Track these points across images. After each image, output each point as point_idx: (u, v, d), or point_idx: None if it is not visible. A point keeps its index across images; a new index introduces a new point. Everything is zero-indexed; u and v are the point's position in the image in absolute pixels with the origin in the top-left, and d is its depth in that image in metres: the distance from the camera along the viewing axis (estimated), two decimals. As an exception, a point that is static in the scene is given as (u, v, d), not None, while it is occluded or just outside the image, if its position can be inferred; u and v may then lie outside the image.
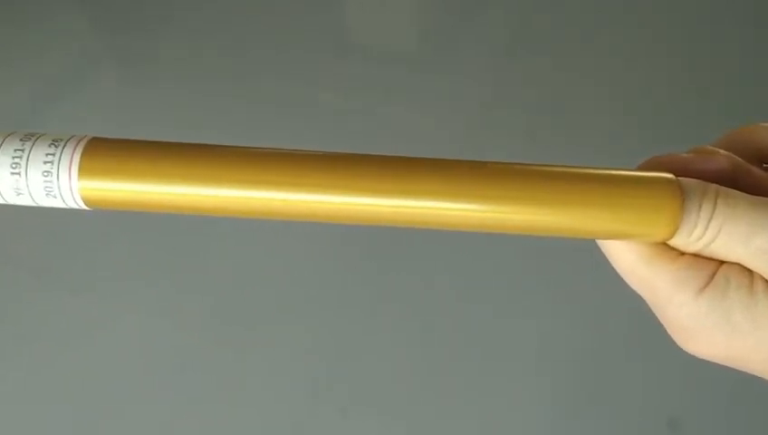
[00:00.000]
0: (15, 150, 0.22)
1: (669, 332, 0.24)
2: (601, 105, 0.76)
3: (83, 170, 0.22)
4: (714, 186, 0.22)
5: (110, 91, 0.90)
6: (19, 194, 0.22)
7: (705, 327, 0.22)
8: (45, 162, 0.22)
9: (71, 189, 0.22)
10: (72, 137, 0.23)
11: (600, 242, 0.24)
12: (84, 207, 0.23)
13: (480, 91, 0.78)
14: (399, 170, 0.22)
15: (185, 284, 0.75)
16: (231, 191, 0.22)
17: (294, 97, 0.81)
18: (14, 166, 0.22)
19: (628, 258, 0.23)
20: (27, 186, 0.22)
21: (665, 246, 0.23)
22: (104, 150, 0.23)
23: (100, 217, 0.80)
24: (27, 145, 0.22)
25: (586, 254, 0.72)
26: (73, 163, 0.22)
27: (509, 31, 0.79)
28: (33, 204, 0.23)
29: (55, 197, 0.22)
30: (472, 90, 0.78)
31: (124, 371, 0.71)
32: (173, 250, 0.77)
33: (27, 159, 0.22)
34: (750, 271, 0.22)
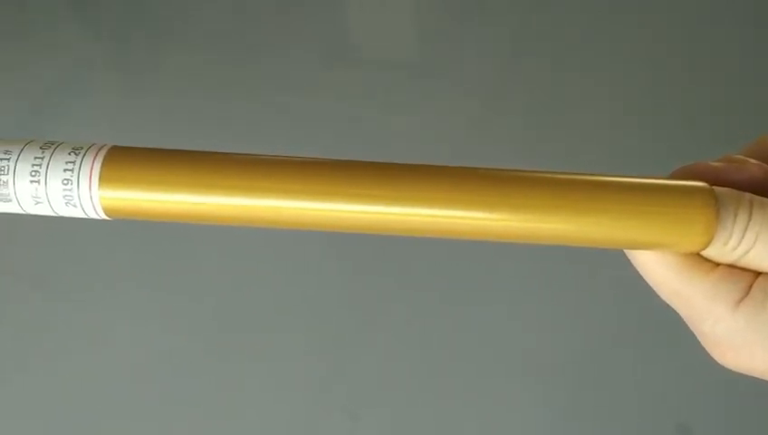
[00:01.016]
0: (35, 158, 0.22)
1: (705, 346, 0.23)
2: (605, 110, 0.76)
3: (104, 179, 0.22)
4: (748, 194, 0.22)
5: (112, 101, 0.90)
6: (38, 203, 0.22)
7: (743, 341, 0.21)
8: (66, 170, 0.22)
9: (91, 199, 0.22)
10: (93, 145, 0.22)
11: (629, 253, 0.24)
12: (104, 216, 0.23)
13: (481, 98, 0.78)
14: (430, 180, 0.22)
15: (183, 289, 0.74)
16: (260, 201, 0.22)
17: (295, 104, 0.81)
18: (33, 174, 0.22)
19: (660, 270, 0.23)
20: (47, 194, 0.22)
21: (698, 258, 0.22)
22: (125, 159, 0.22)
23: (95, 225, 0.79)
24: (47, 153, 0.22)
25: (592, 255, 0.71)
26: (94, 171, 0.22)
27: (510, 37, 0.79)
28: (52, 213, 0.22)
29: (75, 206, 0.22)
30: (473, 96, 0.78)
31: (123, 377, 0.70)
32: (170, 255, 0.77)
33: (47, 167, 0.22)
34: None
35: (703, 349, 0.65)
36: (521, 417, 0.62)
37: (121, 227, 0.79)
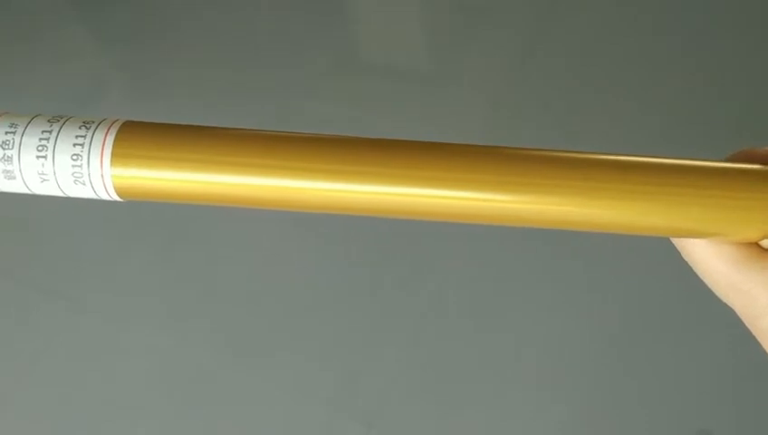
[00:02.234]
0: (43, 132, 0.20)
1: (762, 342, 0.21)
2: (617, 115, 0.74)
3: (117, 156, 0.20)
4: None
5: (119, 105, 0.89)
6: (44, 181, 0.20)
7: None
8: (75, 145, 0.20)
9: (102, 177, 0.20)
10: (105, 119, 0.21)
11: (679, 243, 0.22)
12: (116, 197, 0.21)
13: (490, 104, 0.76)
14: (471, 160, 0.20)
15: (193, 297, 0.73)
16: (287, 181, 0.20)
17: (304, 110, 0.80)
18: (40, 148, 0.20)
19: (716, 262, 0.21)
20: (54, 171, 0.20)
21: (757, 248, 0.21)
22: (140, 134, 0.20)
23: (103, 234, 0.78)
24: (56, 126, 0.20)
25: (611, 256, 0.70)
26: (106, 147, 0.20)
27: (518, 43, 0.78)
28: (60, 193, 0.21)
29: (84, 184, 0.20)
30: (482, 102, 0.77)
31: (136, 386, 0.68)
32: (183, 262, 0.75)
33: (55, 141, 0.20)
34: None
35: (725, 352, 0.63)
36: (538, 423, 0.60)
37: (127, 237, 0.78)
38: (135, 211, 0.78)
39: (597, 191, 0.20)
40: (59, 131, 0.20)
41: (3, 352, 0.73)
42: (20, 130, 0.20)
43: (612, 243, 0.67)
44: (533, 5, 0.82)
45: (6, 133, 0.20)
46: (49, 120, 0.20)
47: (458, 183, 0.20)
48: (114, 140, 0.20)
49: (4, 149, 0.20)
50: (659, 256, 0.65)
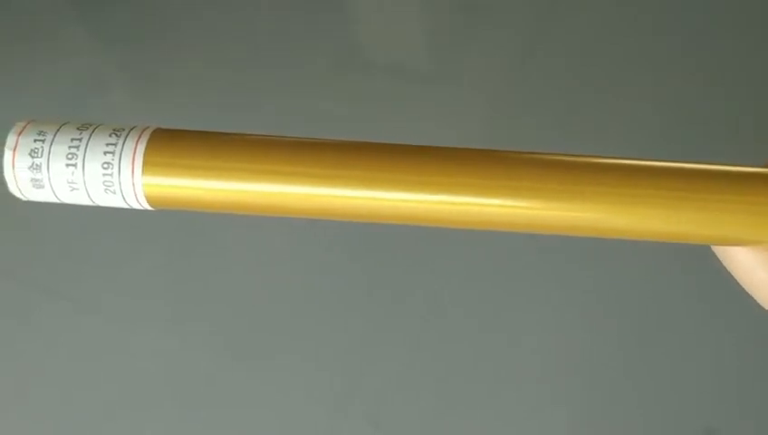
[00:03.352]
0: (72, 140, 0.20)
1: None
2: (618, 114, 0.74)
3: (148, 164, 0.20)
4: None
5: (119, 108, 0.88)
6: (73, 190, 0.20)
7: None
8: (106, 153, 0.19)
9: (133, 186, 0.20)
10: (135, 127, 0.20)
11: (719, 251, 0.22)
12: (147, 206, 0.20)
13: (491, 103, 0.76)
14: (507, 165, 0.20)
15: (196, 299, 0.72)
16: (326, 189, 0.19)
17: (301, 110, 0.80)
18: (70, 157, 0.19)
19: (759, 271, 0.20)
20: (84, 180, 0.20)
21: None
22: (171, 142, 0.20)
23: (106, 236, 0.78)
24: (86, 134, 0.20)
25: (613, 255, 0.70)
26: (137, 155, 0.20)
27: (519, 42, 0.77)
28: (89, 202, 0.20)
29: (114, 193, 0.20)
30: (479, 102, 0.77)
31: (136, 390, 0.68)
32: (181, 266, 0.75)
33: (86, 149, 0.20)
34: None
35: (731, 350, 0.63)
36: (544, 421, 0.60)
37: (130, 240, 0.77)
38: (138, 213, 0.78)
39: (635, 198, 0.19)
40: (89, 139, 0.20)
41: (4, 353, 0.72)
42: (49, 138, 0.20)
43: (614, 242, 0.67)
44: (534, 5, 0.82)
45: (35, 141, 0.20)
46: (78, 128, 0.20)
47: (491, 190, 0.19)
48: (146, 149, 0.20)
49: (33, 157, 0.19)
50: (664, 254, 0.65)
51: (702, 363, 0.60)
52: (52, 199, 0.20)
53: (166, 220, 0.76)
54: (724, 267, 0.22)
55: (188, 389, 0.68)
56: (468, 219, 0.20)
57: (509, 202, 0.19)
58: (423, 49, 0.88)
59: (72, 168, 0.19)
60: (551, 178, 0.19)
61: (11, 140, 0.20)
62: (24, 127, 0.20)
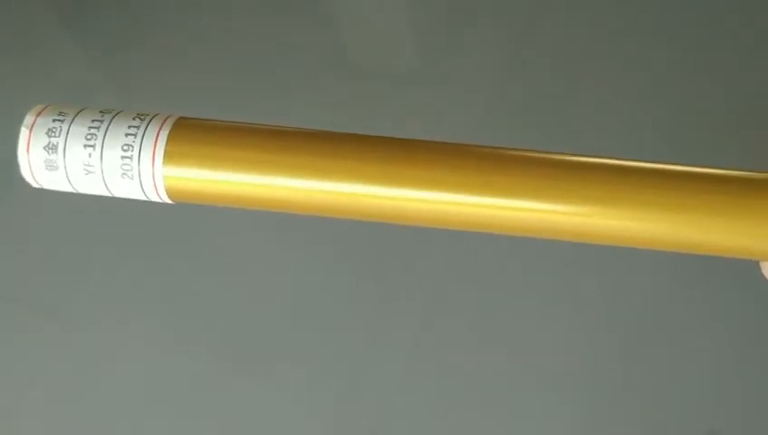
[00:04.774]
0: (94, 121, 0.19)
1: None
2: (614, 115, 0.74)
3: (170, 154, 0.19)
4: None
5: None
6: (89, 173, 0.19)
7: None
8: (127, 134, 0.19)
9: (153, 173, 0.19)
10: (159, 114, 0.20)
11: (763, 264, 0.21)
12: (166, 197, 0.19)
13: (484, 105, 0.77)
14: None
15: (194, 313, 0.69)
16: (356, 187, 0.19)
17: (290, 115, 0.80)
18: (89, 137, 0.19)
19: None
20: (101, 161, 0.19)
21: None
22: (195, 132, 0.19)
23: (101, 248, 0.75)
24: (108, 117, 0.19)
25: (617, 258, 0.67)
26: (159, 141, 0.19)
27: (511, 44, 0.79)
28: (102, 188, 0.19)
29: (132, 178, 0.19)
30: (474, 104, 0.77)
31: (135, 406, 0.64)
32: (180, 279, 0.72)
33: (106, 131, 0.19)
34: None
35: (733, 354, 0.59)
36: (546, 427, 0.57)
37: (126, 253, 0.75)
38: (128, 220, 0.76)
39: (682, 208, 0.18)
40: (111, 121, 0.19)
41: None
42: (69, 118, 0.19)
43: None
44: (526, 5, 0.83)
45: (54, 121, 0.19)
46: (100, 111, 0.19)
47: (540, 195, 0.19)
48: (168, 136, 0.19)
49: (49, 136, 0.19)
50: (667, 257, 0.63)
51: (704, 365, 0.59)
52: (63, 185, 0.19)
53: (156, 225, 0.74)
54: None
55: (181, 399, 0.65)
56: (494, 223, 0.19)
57: (532, 205, 0.19)
58: (412, 51, 0.89)
59: (89, 149, 0.19)
60: (592, 182, 0.18)
61: (29, 119, 0.19)
62: (45, 107, 0.19)
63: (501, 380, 0.63)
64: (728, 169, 0.19)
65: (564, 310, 0.64)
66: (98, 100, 0.89)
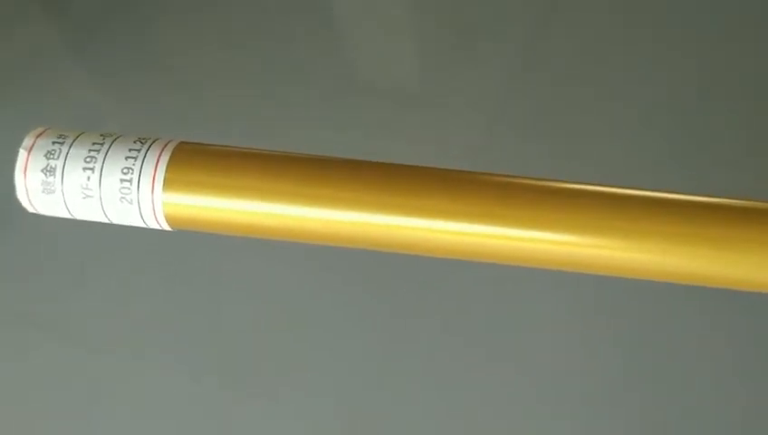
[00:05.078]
0: (94, 144, 0.19)
1: None
2: (620, 133, 0.73)
3: (170, 181, 0.18)
4: None
5: None
6: (86, 197, 0.18)
7: None
8: (127, 157, 0.18)
9: (152, 196, 0.18)
10: (159, 139, 0.19)
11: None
12: (165, 224, 0.19)
13: (487, 124, 0.76)
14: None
15: (205, 339, 0.67)
16: (369, 216, 0.18)
17: (302, 139, 0.79)
18: (88, 160, 0.18)
19: None
20: (99, 186, 0.18)
21: None
22: (197, 157, 0.19)
23: (112, 274, 0.74)
24: (108, 140, 0.19)
25: (623, 282, 0.66)
26: (159, 166, 0.18)
27: (514, 63, 0.79)
28: (100, 213, 0.19)
29: (131, 203, 0.18)
30: (476, 123, 0.76)
31: (146, 430, 0.62)
32: (190, 305, 0.71)
33: (106, 154, 0.18)
34: None
35: (734, 354, 0.56)
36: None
37: (137, 279, 0.74)
38: (134, 245, 0.75)
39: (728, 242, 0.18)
40: (111, 145, 0.19)
41: (8, 398, 0.67)
42: (68, 141, 0.19)
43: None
44: (529, 23, 0.84)
45: (53, 143, 0.19)
46: (101, 135, 0.19)
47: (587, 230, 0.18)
48: (168, 162, 0.19)
49: (48, 158, 0.18)
50: None
51: (707, 368, 0.57)
52: (60, 210, 0.19)
53: (162, 251, 0.73)
54: None
55: (191, 425, 0.62)
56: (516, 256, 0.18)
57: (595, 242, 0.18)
58: (420, 72, 0.89)
59: (89, 172, 0.18)
60: (615, 214, 0.18)
61: (28, 141, 0.19)
62: (45, 130, 0.19)
63: (515, 403, 0.61)
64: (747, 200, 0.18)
65: (573, 334, 0.62)
66: (106, 123, 0.89)
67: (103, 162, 0.18)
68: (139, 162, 0.18)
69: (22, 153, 0.18)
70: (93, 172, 0.18)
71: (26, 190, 0.18)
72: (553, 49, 0.82)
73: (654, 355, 0.62)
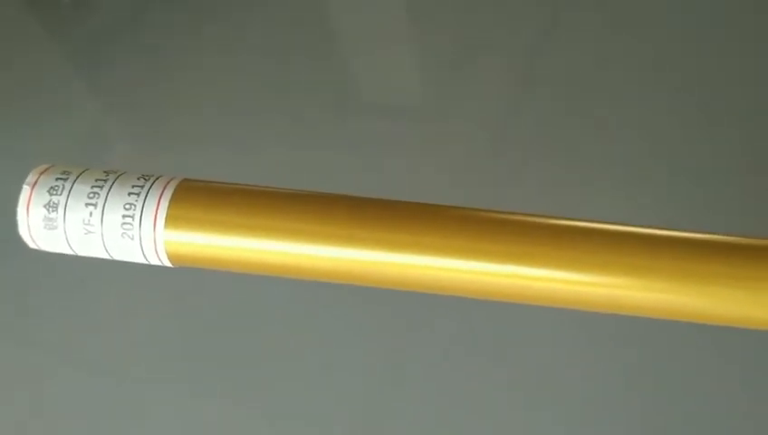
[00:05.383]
0: (97, 180, 0.19)
1: None
2: (624, 152, 0.72)
3: (171, 218, 0.18)
4: None
5: (124, 164, 0.87)
6: (88, 232, 0.18)
7: None
8: (130, 193, 0.18)
9: (154, 234, 0.18)
10: (162, 176, 0.19)
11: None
12: (167, 261, 0.19)
13: (488, 142, 0.75)
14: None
15: (211, 358, 0.66)
16: (377, 254, 0.18)
17: (303, 159, 0.78)
18: (91, 196, 0.18)
19: None
20: (101, 222, 0.18)
21: None
22: (200, 195, 0.19)
23: (115, 295, 0.73)
24: (111, 177, 0.19)
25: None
26: (162, 203, 0.18)
27: (516, 81, 0.78)
28: (101, 249, 0.19)
29: (132, 239, 0.18)
30: (480, 140, 0.76)
31: None
32: (195, 328, 0.70)
33: (109, 190, 0.18)
34: None
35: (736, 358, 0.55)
36: None
37: (139, 301, 0.72)
38: (139, 274, 0.74)
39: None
40: (114, 181, 0.19)
41: (13, 420, 0.65)
42: (72, 177, 0.19)
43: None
44: (531, 39, 0.83)
45: (57, 179, 0.19)
46: (105, 171, 0.19)
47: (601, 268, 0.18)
48: (171, 199, 0.19)
49: (51, 194, 0.18)
50: None
51: (707, 370, 0.55)
52: (62, 246, 0.19)
53: (168, 277, 0.72)
54: None
55: None
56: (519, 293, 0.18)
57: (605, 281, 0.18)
58: (422, 89, 0.88)
59: (91, 207, 0.18)
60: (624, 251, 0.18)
61: (32, 177, 0.19)
62: (49, 167, 0.19)
63: (523, 419, 0.59)
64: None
65: (578, 348, 0.61)
66: (113, 146, 0.89)
67: (106, 198, 0.18)
68: (141, 198, 0.18)
69: (25, 189, 0.18)
70: (96, 208, 0.18)
71: (28, 227, 0.18)
72: (556, 64, 0.81)
73: (654, 356, 0.61)
